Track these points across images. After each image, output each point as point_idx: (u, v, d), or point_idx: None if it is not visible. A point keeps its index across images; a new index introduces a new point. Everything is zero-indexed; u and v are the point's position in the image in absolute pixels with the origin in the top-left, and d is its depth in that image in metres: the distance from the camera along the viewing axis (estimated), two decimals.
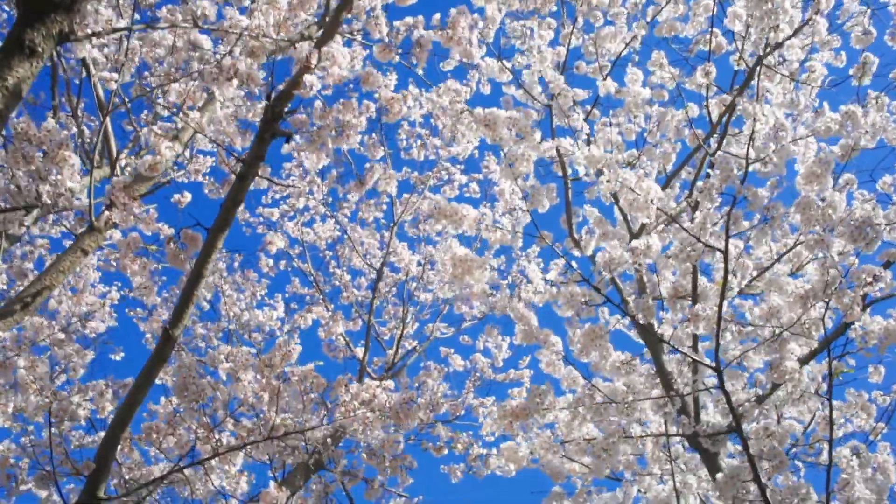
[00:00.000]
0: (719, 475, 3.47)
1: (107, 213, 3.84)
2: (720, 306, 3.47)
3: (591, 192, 5.74)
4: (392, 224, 7.45)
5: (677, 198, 5.29)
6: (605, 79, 5.33)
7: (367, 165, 4.16)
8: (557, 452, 3.88)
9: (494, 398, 7.72)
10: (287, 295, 9.00)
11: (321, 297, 7.96)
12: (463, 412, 7.33)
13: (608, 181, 3.50)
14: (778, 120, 3.63)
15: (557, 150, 5.80)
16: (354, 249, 7.69)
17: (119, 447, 3.46)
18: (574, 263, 3.56)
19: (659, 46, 5.59)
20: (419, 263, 8.40)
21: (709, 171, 3.64)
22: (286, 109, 3.29)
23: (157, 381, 3.75)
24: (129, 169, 4.33)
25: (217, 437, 3.23)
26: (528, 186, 3.59)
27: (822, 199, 3.64)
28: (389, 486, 6.56)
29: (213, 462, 3.46)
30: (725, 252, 3.53)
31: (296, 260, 8.70)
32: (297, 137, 3.43)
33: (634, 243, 3.61)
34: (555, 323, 6.77)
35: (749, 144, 3.57)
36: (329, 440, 5.62)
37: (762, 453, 3.42)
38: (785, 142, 3.60)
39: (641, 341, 4.78)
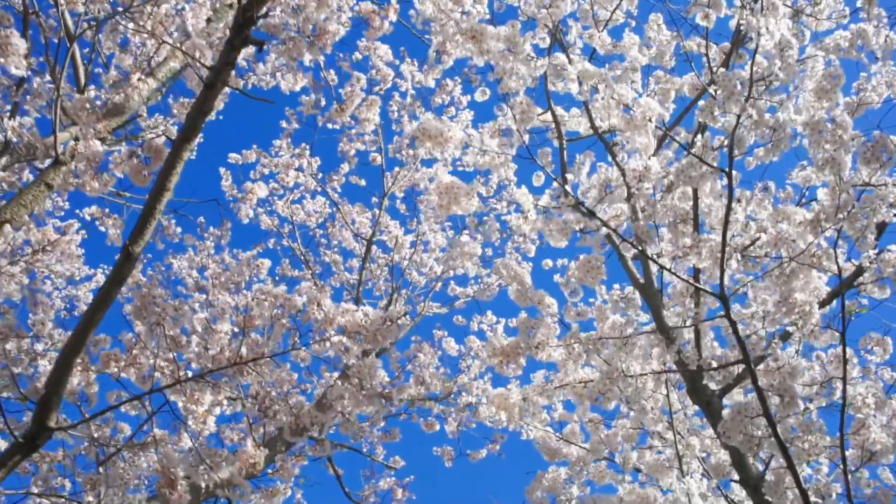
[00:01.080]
0: (725, 412, 3.21)
1: (72, 144, 3.61)
2: (724, 229, 3.22)
3: (587, 155, 5.53)
4: (382, 195, 7.22)
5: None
6: (601, 31, 5.12)
7: (347, 90, 3.92)
8: (551, 396, 3.62)
9: (490, 378, 7.45)
10: (277, 277, 8.76)
11: (311, 276, 7.71)
12: (456, 390, 7.06)
13: (603, 98, 3.27)
14: (784, 37, 3.41)
15: (553, 116, 5.62)
16: (344, 222, 7.45)
17: (79, 382, 3.20)
18: (567, 188, 3.32)
19: (656, 8, 5.41)
20: (411, 244, 8.17)
21: (710, 91, 3.41)
22: (259, 14, 3.07)
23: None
24: (98, 102, 4.12)
25: (180, 365, 2.97)
26: (518, 104, 3.36)
27: (833, 121, 3.42)
28: (374, 457, 6.29)
29: (180, 400, 3.20)
30: (729, 173, 3.30)
31: (286, 239, 8.47)
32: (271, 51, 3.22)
33: (632, 164, 3.38)
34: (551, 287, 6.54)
35: (752, 62, 3.35)
36: (313, 409, 5.35)
37: (772, 388, 3.16)
38: (791, 59, 3.37)
39: (640, 295, 4.52)
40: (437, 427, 6.41)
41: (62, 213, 4.77)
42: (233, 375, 3.01)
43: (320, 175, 7.72)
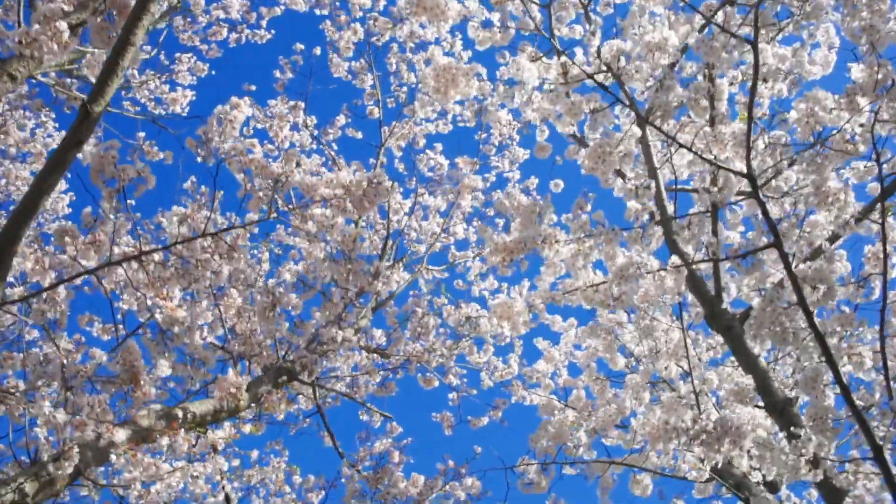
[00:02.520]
0: (756, 301, 2.87)
1: (37, 27, 3.31)
2: (751, 104, 2.91)
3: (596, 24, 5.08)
4: (379, 145, 6.91)
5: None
6: None
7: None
8: (560, 301, 3.29)
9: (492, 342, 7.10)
10: (272, 245, 8.43)
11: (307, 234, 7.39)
12: (457, 355, 6.72)
13: None
14: None
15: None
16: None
17: (32, 267, 2.88)
18: (575, 61, 3.00)
19: None
20: (410, 211, 7.83)
21: None
22: None
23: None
24: None
25: (141, 239, 2.64)
26: None
27: None
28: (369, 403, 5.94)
29: (148, 290, 2.87)
30: (755, 43, 2.98)
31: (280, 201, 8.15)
32: None
33: (648, 37, 3.07)
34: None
35: None
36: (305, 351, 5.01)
37: (806, 279, 2.83)
38: None
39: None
40: (436, 383, 6.07)
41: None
42: (203, 259, 2.68)
43: (316, 132, 7.42)
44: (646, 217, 3.08)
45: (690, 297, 4.60)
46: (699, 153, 2.99)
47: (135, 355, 2.74)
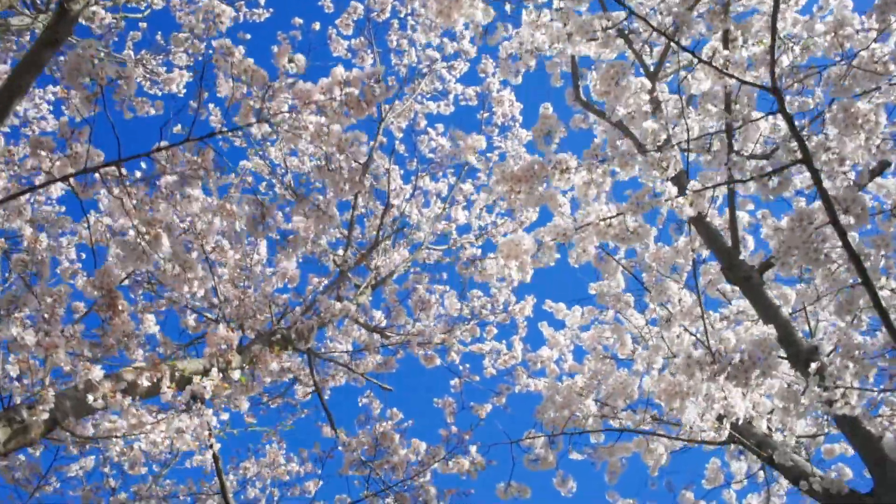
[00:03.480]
0: (785, 220, 2.67)
1: None
2: (775, 12, 2.72)
3: None
4: (379, 121, 6.73)
5: None
6: None
7: None
8: (571, 236, 3.08)
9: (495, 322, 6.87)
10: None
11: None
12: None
13: None
14: None
15: None
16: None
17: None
18: None
19: None
20: (410, 195, 7.64)
21: None
22: None
23: None
24: None
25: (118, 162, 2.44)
26: None
27: None
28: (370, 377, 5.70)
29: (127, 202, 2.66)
30: None
31: (278, 186, 7.98)
32: None
33: None
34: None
35: None
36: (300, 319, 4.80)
37: (835, 200, 2.62)
38: None
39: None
40: (438, 361, 5.83)
41: None
42: (193, 170, 2.47)
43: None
44: (663, 137, 2.89)
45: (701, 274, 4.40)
46: (721, 69, 2.80)
47: (112, 279, 2.53)
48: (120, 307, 2.51)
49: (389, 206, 6.13)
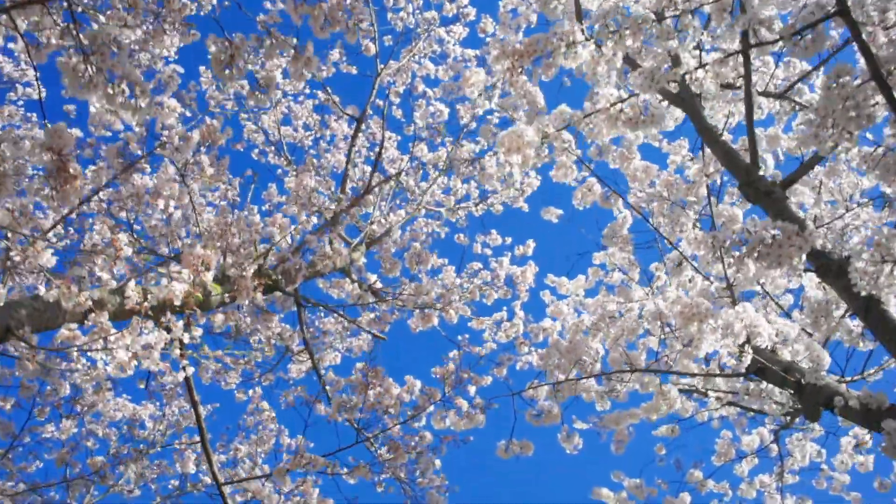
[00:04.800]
0: (821, 81, 2.39)
1: None
2: None
3: None
4: (375, 76, 6.49)
5: None
6: None
7: None
8: (578, 123, 2.80)
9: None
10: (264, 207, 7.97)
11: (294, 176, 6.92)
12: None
13: None
14: None
15: None
16: (332, 102, 6.70)
17: None
18: None
19: None
20: (410, 162, 7.37)
21: None
22: None
23: None
24: None
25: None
26: None
27: None
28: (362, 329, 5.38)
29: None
30: None
31: (272, 156, 7.73)
32: None
33: None
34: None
35: None
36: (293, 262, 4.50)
37: (879, 53, 2.34)
38: None
39: None
40: (435, 320, 5.51)
41: None
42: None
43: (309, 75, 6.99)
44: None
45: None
46: None
47: (65, 140, 2.25)
48: (72, 170, 2.23)
49: (384, 149, 5.86)
